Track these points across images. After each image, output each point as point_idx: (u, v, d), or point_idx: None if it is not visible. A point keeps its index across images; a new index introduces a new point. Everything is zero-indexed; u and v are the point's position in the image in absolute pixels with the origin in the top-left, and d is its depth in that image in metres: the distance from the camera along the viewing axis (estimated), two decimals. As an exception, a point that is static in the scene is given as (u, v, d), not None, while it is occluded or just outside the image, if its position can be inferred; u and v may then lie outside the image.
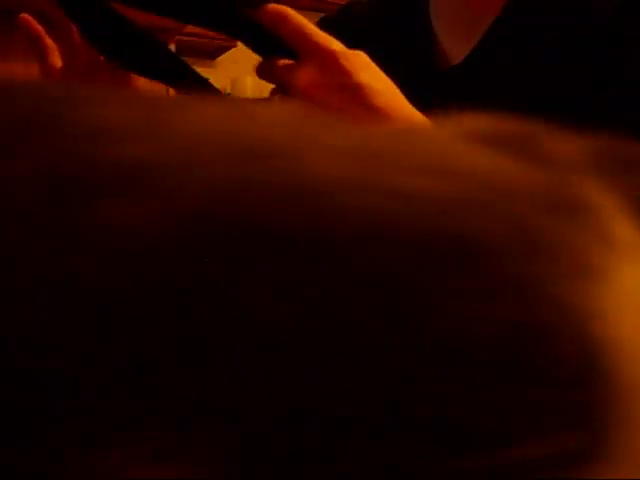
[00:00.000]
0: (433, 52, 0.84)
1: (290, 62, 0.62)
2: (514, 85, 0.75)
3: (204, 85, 0.69)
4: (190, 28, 2.86)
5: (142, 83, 0.82)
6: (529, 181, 0.25)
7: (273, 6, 0.59)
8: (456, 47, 0.82)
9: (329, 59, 0.59)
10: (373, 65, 0.61)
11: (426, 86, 0.84)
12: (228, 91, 4.06)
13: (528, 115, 0.78)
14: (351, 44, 0.93)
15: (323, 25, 1.00)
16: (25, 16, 0.67)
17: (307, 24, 0.60)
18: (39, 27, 0.70)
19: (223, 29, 0.63)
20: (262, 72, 0.65)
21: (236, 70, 4.09)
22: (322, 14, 4.39)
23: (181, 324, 0.19)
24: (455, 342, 0.20)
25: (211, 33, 3.67)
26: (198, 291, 0.19)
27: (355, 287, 0.20)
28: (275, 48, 0.61)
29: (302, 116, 0.29)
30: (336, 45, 0.61)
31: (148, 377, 0.19)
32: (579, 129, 0.72)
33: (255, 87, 4.02)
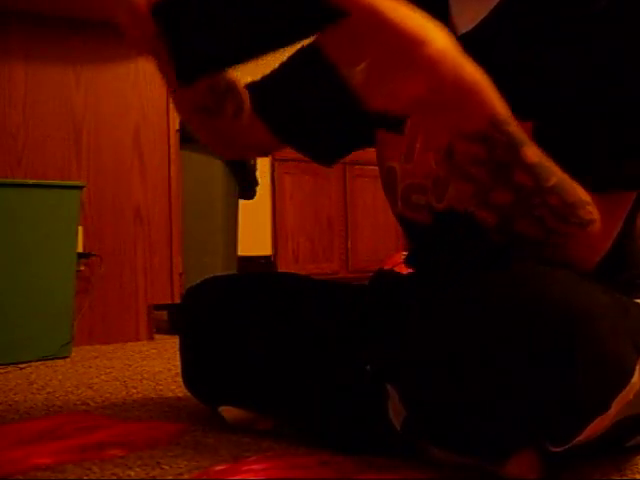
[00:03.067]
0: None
1: None
2: (516, 60, 0.76)
3: None
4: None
5: None
6: None
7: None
8: (464, 18, 0.83)
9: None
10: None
11: None
12: (228, 91, 4.05)
13: (528, 90, 0.79)
14: None
15: None
16: None
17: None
18: None
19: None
20: None
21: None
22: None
23: None
24: None
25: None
26: None
27: None
28: None
29: None
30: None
31: None
32: (583, 105, 0.73)
33: (255, 87, 4.02)
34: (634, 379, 0.67)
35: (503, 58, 0.77)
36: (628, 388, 0.67)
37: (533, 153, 0.66)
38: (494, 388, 0.64)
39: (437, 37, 0.59)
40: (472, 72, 0.62)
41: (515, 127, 0.64)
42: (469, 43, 0.80)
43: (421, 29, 0.58)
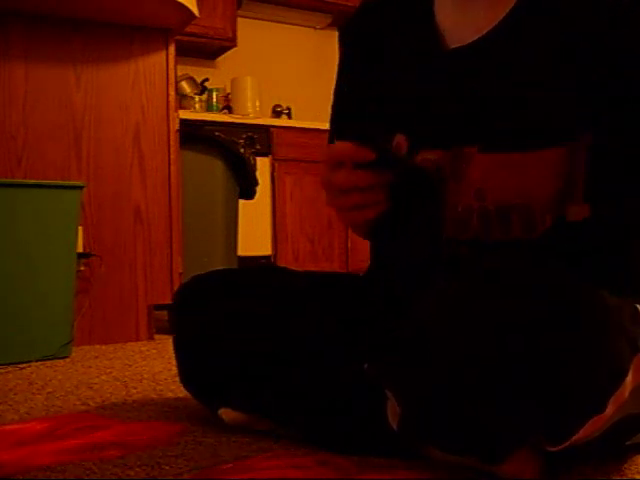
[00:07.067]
0: (433, 33, 0.88)
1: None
2: (524, 66, 0.79)
3: None
4: (190, 28, 2.86)
5: None
6: None
7: None
8: (460, 29, 0.86)
9: None
10: None
11: (430, 65, 0.87)
12: (228, 91, 4.06)
13: (537, 95, 0.82)
14: (380, 27, 0.97)
15: (364, 9, 1.02)
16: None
17: None
18: None
19: None
20: None
21: (236, 70, 4.10)
22: (322, 14, 4.41)
23: None
24: None
25: (211, 33, 3.65)
26: None
27: None
28: None
29: None
30: None
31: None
32: (592, 112, 0.76)
33: (255, 87, 4.02)
34: (629, 378, 0.67)
35: (514, 61, 0.79)
36: (623, 387, 0.67)
37: None
38: (492, 384, 0.64)
39: None
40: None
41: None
42: (477, 52, 0.83)
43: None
